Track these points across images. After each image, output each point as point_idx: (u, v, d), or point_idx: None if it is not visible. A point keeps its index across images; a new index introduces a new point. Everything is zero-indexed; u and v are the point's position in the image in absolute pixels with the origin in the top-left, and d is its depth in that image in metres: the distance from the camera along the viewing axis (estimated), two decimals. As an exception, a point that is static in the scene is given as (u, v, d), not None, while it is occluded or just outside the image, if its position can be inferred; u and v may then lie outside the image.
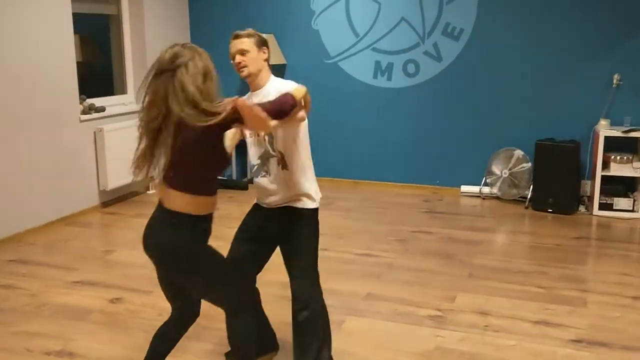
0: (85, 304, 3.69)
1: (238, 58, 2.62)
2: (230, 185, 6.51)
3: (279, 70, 6.61)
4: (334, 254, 4.48)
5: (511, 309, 3.57)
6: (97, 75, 6.52)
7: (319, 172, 6.29)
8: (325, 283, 3.57)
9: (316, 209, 2.71)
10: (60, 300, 3.76)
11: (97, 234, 5.14)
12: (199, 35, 6.88)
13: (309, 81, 6.29)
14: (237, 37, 2.65)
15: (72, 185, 5.40)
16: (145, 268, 4.23)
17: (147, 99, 2.24)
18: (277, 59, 6.37)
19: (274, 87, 2.61)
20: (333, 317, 3.46)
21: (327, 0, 6.32)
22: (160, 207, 2.36)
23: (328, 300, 3.47)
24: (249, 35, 2.63)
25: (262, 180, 2.68)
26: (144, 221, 5.42)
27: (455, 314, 3.51)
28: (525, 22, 5.75)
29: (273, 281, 3.33)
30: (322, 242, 4.50)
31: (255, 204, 2.83)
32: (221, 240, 4.80)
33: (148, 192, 6.34)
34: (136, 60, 6.32)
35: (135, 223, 5.35)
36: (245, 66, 2.62)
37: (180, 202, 2.27)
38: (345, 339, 3.24)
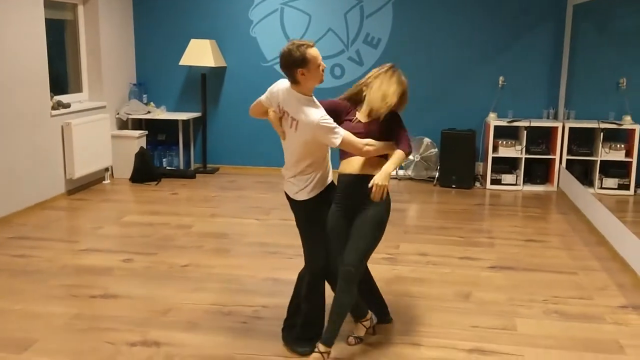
0: (102, 264, 4.40)
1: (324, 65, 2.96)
2: (178, 174, 7.25)
3: (219, 73, 7.48)
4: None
5: (442, 251, 4.75)
6: (57, 74, 7.02)
7: (259, 163, 7.31)
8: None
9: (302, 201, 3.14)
10: (78, 262, 4.44)
11: (76, 215, 5.74)
12: (141, 39, 7.56)
13: (248, 82, 7.31)
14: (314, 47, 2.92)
15: (44, 174, 5.95)
16: (138, 238, 5.00)
17: None
18: (219, 62, 7.23)
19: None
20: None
21: (264, 11, 7.27)
22: None
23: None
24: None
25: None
26: (113, 204, 6.32)
27: (402, 256, 4.63)
28: (431, 34, 7.06)
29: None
30: (285, 214, 5.42)
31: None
32: (192, 216, 5.63)
33: (103, 182, 6.95)
34: (90, 62, 6.92)
35: (107, 206, 6.01)
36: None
37: None
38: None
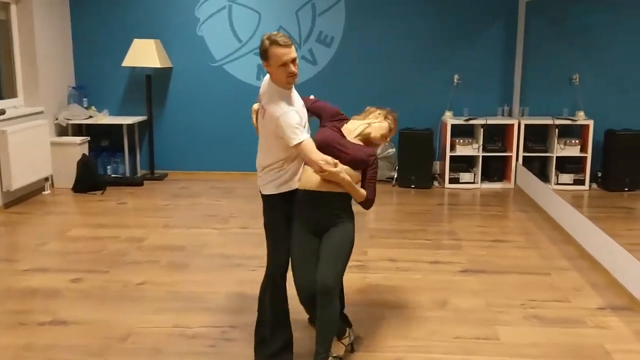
0: (49, 285, 4.03)
1: (293, 67, 2.75)
2: (124, 182, 6.85)
3: (165, 74, 7.12)
4: (252, 230, 5.19)
5: (411, 255, 4.60)
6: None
7: (211, 167, 7.00)
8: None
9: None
10: (22, 284, 4.05)
11: (16, 231, 5.30)
12: (80, 39, 7.12)
13: (196, 83, 6.99)
14: (287, 45, 2.72)
15: (-22, 187, 5.49)
16: (88, 254, 4.63)
17: None
18: (164, 62, 6.87)
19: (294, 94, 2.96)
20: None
21: (211, 9, 6.97)
22: None
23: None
24: (292, 43, 2.77)
25: None
26: (57, 217, 5.88)
27: (371, 262, 4.45)
28: (385, 32, 6.92)
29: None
30: (245, 222, 5.18)
31: None
32: (144, 228, 5.31)
33: (43, 193, 6.49)
34: (25, 64, 6.44)
35: (50, 220, 5.58)
36: (296, 75, 2.81)
37: None
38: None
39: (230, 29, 6.99)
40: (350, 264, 4.34)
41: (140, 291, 3.95)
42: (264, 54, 2.77)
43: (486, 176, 6.85)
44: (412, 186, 6.74)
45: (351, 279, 4.10)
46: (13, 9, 6.27)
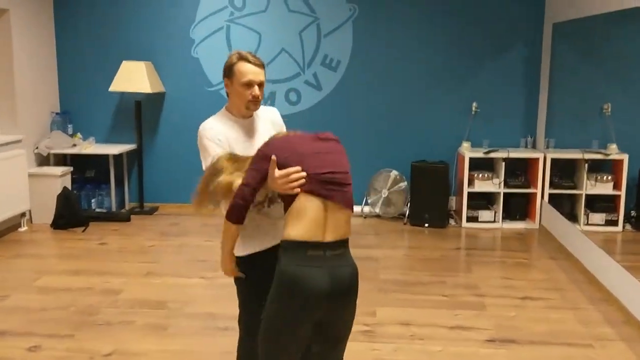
0: (1, 355, 3.41)
1: (258, 91, 2.42)
2: (110, 217, 6.25)
3: (157, 99, 6.54)
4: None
5: (427, 317, 3.95)
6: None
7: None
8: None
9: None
10: (-31, 354, 3.44)
11: (-22, 278, 4.70)
12: (66, 62, 6.56)
13: (190, 109, 6.40)
14: (257, 65, 2.42)
15: (-60, 226, 4.89)
16: (53, 311, 4.01)
17: None
18: (156, 87, 6.30)
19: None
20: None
21: (207, 30, 6.40)
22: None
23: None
24: (264, 66, 2.45)
25: None
26: (27, 261, 5.21)
27: (381, 327, 3.80)
28: (397, 55, 6.32)
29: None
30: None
31: None
32: (123, 276, 4.71)
33: (19, 229, 5.89)
34: (2, 88, 5.88)
35: (17, 264, 4.97)
36: (259, 102, 2.45)
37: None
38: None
39: (229, 50, 6.40)
40: (356, 328, 3.71)
41: (107, 365, 3.32)
42: (228, 70, 2.44)
43: (508, 214, 6.19)
44: (426, 225, 6.10)
45: (356, 351, 3.45)
46: (-12, 28, 5.73)
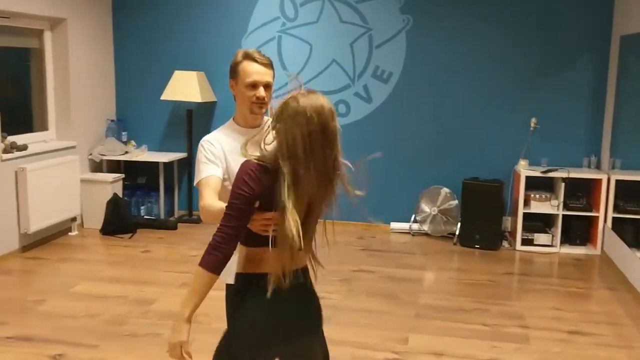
0: (25, 363, 3.43)
1: (263, 92, 2.25)
2: (157, 225, 6.29)
3: (208, 108, 6.56)
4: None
5: (462, 348, 3.70)
6: (19, 110, 6.16)
7: None
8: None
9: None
10: (-4, 359, 3.48)
11: (22, 282, 4.81)
12: (123, 70, 6.69)
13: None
14: (264, 64, 2.27)
15: (-10, 229, 5.04)
16: (83, 319, 4.03)
17: None
18: (208, 96, 6.32)
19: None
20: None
21: (259, 40, 6.36)
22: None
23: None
24: (271, 65, 2.30)
25: None
26: (71, 266, 5.21)
27: (411, 355, 3.59)
28: (451, 67, 6.07)
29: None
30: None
31: None
32: (159, 285, 4.69)
33: (70, 233, 6.01)
34: (59, 96, 6.04)
35: (61, 269, 5.06)
36: (265, 104, 2.27)
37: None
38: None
39: (279, 61, 6.35)
40: (383, 356, 3.53)
41: (123, 379, 3.27)
42: (232, 69, 2.28)
43: (567, 239, 5.80)
44: (477, 246, 5.80)
45: (381, 382, 3.26)
46: (47, 36, 5.89)
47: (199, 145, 2.32)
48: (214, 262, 1.89)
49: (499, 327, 4.02)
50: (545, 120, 5.93)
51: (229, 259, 1.90)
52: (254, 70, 2.24)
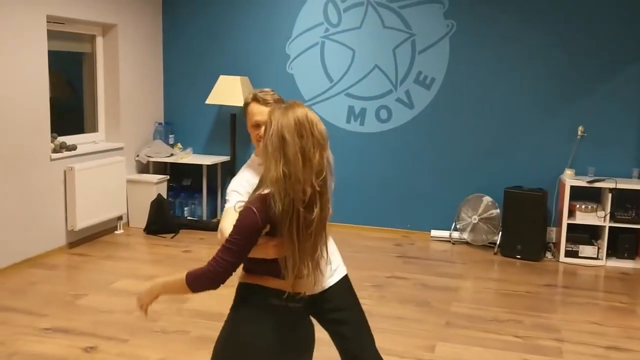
0: (58, 354, 3.56)
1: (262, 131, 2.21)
2: (199, 226, 6.42)
3: (252, 112, 6.64)
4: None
5: (491, 358, 3.61)
6: (67, 112, 6.43)
7: None
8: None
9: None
10: (32, 348, 3.62)
11: (65, 276, 4.99)
12: (171, 74, 6.88)
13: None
14: (267, 104, 2.35)
15: (38, 224, 5.26)
16: (119, 314, 4.15)
17: None
18: (251, 101, 6.41)
19: None
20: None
21: (302, 46, 6.42)
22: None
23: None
24: (279, 102, 2.34)
25: None
26: (114, 263, 5.36)
27: (436, 364, 3.54)
28: (494, 74, 5.97)
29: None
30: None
31: None
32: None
33: (116, 232, 6.21)
34: (108, 98, 6.26)
35: (104, 265, 5.23)
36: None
37: None
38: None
39: (322, 66, 6.39)
40: (409, 363, 3.49)
41: (149, 374, 3.35)
42: (243, 110, 2.45)
43: (614, 252, 5.59)
44: (518, 256, 5.66)
45: (402, 389, 3.23)
46: (99, 41, 6.13)
47: (236, 177, 2.41)
48: (200, 287, 1.96)
49: (532, 339, 3.91)
50: (592, 129, 5.74)
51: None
52: (257, 111, 2.35)
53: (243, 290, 2.05)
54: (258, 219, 1.86)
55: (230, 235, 1.90)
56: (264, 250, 1.92)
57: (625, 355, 3.71)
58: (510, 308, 4.45)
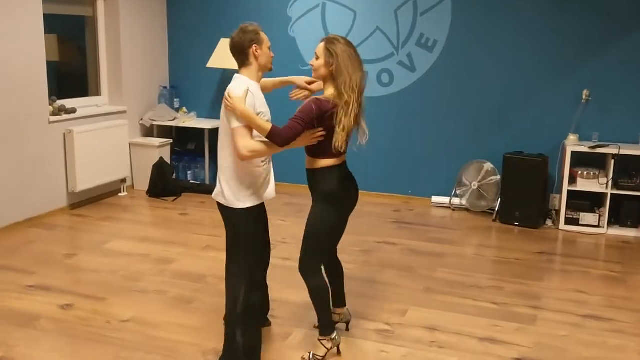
0: (34, 310, 3.67)
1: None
2: (200, 190, 6.48)
3: (254, 76, 6.60)
4: (294, 264, 4.47)
5: (460, 324, 3.57)
6: (76, 76, 6.52)
7: (293, 179, 6.19)
8: (278, 292, 3.62)
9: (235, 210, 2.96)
10: (11, 305, 3.74)
11: (61, 236, 5.12)
12: (176, 38, 6.88)
13: (285, 88, 6.37)
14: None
15: (39, 186, 5.39)
16: (104, 273, 4.25)
17: None
18: (253, 64, 6.36)
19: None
20: (280, 329, 3.48)
21: (304, 8, 6.32)
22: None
23: (277, 311, 3.51)
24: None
25: None
26: (110, 225, 5.47)
27: (403, 328, 3.52)
28: (498, 37, 5.77)
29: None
30: (284, 250, 4.54)
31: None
32: (183, 246, 4.85)
33: (119, 194, 6.33)
34: (111, 62, 6.32)
35: (101, 227, 5.34)
36: None
37: None
38: (288, 352, 3.24)
39: (323, 29, 6.29)
40: (373, 326, 3.49)
41: (118, 331, 3.43)
42: (257, 37, 2.99)
43: (617, 220, 5.42)
44: (516, 223, 5.54)
45: (363, 351, 3.23)
46: (100, 4, 6.15)
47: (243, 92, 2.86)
48: (273, 138, 2.82)
49: (508, 306, 3.84)
50: (598, 93, 5.52)
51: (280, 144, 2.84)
52: (267, 38, 3.05)
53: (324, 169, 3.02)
54: (315, 113, 2.85)
55: (297, 117, 2.84)
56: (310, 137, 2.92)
57: (602, 324, 3.62)
58: (495, 275, 4.38)
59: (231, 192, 2.92)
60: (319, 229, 3.01)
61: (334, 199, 2.99)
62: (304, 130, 2.86)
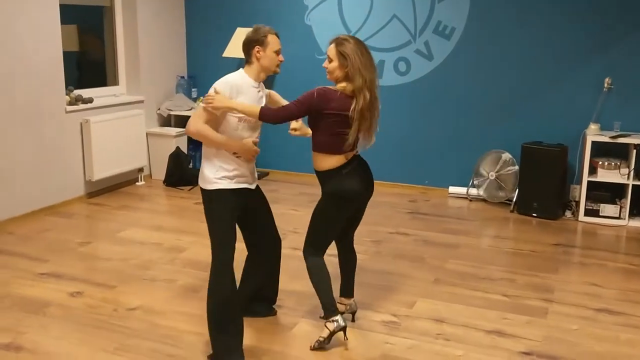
0: (45, 297, 3.72)
1: (281, 57, 3.17)
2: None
3: (271, 65, 6.58)
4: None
5: (468, 317, 3.52)
6: (95, 65, 6.57)
7: (307, 169, 6.14)
8: (287, 283, 3.61)
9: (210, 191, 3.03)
10: (23, 292, 3.80)
11: (77, 225, 5.18)
12: (193, 27, 6.89)
13: (301, 76, 6.36)
14: (278, 36, 3.15)
15: (56, 175, 5.45)
16: (116, 262, 4.29)
17: None
18: (269, 53, 6.34)
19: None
20: (286, 319, 3.47)
21: (320, -4, 6.27)
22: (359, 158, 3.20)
23: (285, 301, 3.51)
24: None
25: None
26: (126, 213, 5.51)
27: (410, 320, 3.47)
28: (517, 25, 5.64)
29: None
30: (295, 240, 4.50)
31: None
32: (196, 235, 4.87)
33: (137, 183, 6.38)
34: (128, 52, 6.35)
35: (118, 215, 5.39)
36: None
37: None
38: (293, 342, 3.22)
39: (340, 17, 6.23)
40: (380, 318, 3.45)
41: (125, 319, 3.46)
42: (262, 39, 3.06)
43: (639, 211, 5.28)
44: (534, 215, 5.43)
45: (368, 342, 3.20)
46: (117, -5, 6.19)
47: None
48: (267, 118, 2.96)
49: (520, 299, 3.77)
50: (620, 81, 5.36)
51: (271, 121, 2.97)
52: (277, 41, 3.11)
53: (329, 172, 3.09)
54: (315, 100, 2.93)
55: (297, 100, 2.97)
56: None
57: (615, 319, 3.53)
58: (509, 267, 4.31)
59: (203, 173, 3.05)
60: (318, 221, 3.13)
61: (336, 199, 3.07)
62: (299, 115, 2.96)
